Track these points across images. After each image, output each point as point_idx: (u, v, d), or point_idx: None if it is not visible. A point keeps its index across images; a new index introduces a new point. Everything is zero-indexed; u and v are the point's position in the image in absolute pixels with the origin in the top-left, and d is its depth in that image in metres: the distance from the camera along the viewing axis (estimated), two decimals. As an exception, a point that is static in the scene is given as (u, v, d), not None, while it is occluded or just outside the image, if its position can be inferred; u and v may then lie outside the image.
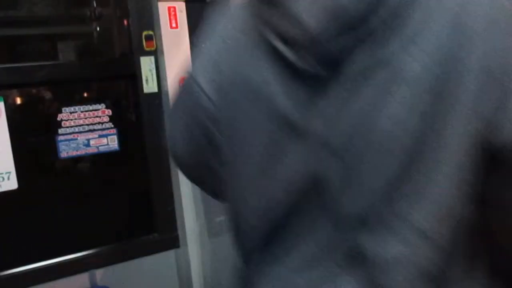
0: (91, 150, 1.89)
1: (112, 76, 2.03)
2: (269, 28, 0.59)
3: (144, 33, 1.92)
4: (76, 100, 1.93)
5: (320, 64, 0.57)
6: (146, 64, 1.93)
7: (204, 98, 0.68)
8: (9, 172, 1.71)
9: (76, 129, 1.86)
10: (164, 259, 2.03)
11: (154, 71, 1.95)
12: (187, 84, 0.74)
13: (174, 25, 1.92)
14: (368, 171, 0.56)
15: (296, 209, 0.62)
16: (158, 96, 1.97)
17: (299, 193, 0.61)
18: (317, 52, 0.56)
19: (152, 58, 1.94)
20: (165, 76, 1.93)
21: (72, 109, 1.85)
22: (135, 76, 1.93)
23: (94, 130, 1.89)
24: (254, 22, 0.63)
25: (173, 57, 1.94)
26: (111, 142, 1.93)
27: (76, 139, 1.86)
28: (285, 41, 0.58)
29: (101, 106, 1.91)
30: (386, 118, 0.54)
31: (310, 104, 0.58)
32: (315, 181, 0.59)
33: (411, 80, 0.53)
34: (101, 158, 2.01)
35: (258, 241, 0.67)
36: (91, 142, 1.89)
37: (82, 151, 1.88)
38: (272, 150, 0.62)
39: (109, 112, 1.92)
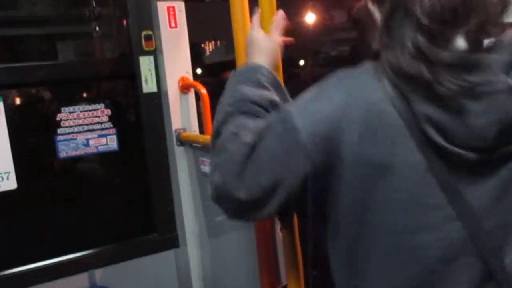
0: (90, 150, 1.89)
1: (111, 76, 2.03)
2: (432, 125, 0.72)
3: (143, 32, 1.92)
4: (75, 100, 1.93)
5: (479, 159, 0.72)
6: (146, 63, 1.93)
7: (310, 152, 0.77)
8: (8, 172, 1.70)
9: (75, 129, 1.86)
10: (164, 259, 2.03)
11: (153, 71, 1.95)
12: (286, 133, 0.79)
13: (173, 24, 1.92)
14: None
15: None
16: (158, 96, 1.97)
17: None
18: (483, 153, 0.72)
19: (152, 57, 1.94)
20: (165, 76, 1.93)
21: (71, 109, 1.85)
22: (134, 76, 1.93)
23: (93, 130, 1.89)
24: (410, 115, 0.73)
25: (172, 57, 1.93)
26: (111, 142, 1.93)
27: (75, 139, 1.86)
28: (451, 141, 0.71)
29: (100, 106, 1.90)
30: None
31: (457, 185, 0.74)
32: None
33: None
34: (100, 158, 2.01)
35: None
36: (90, 142, 1.89)
37: (81, 151, 1.87)
38: (416, 226, 0.76)
39: (108, 112, 1.92)
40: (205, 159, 1.80)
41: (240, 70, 1.01)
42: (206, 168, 1.81)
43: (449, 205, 0.74)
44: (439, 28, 0.70)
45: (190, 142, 1.92)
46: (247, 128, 0.84)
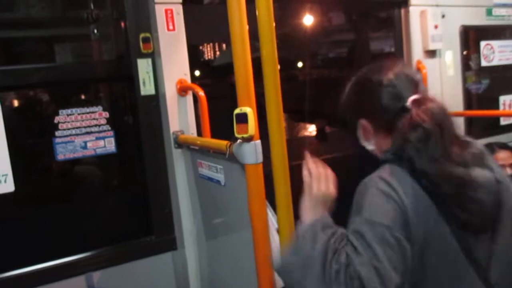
0: (88, 153, 1.89)
1: (109, 78, 2.03)
2: (454, 203, 1.09)
3: (141, 35, 1.92)
4: (73, 103, 1.93)
5: (483, 223, 1.12)
6: (143, 66, 1.93)
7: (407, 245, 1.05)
8: (6, 175, 1.70)
9: (73, 132, 1.86)
10: (161, 262, 2.03)
11: (151, 73, 1.95)
12: (383, 235, 1.03)
13: (171, 27, 1.92)
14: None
15: None
16: (155, 98, 1.97)
17: None
18: (483, 219, 1.12)
19: (149, 60, 1.94)
20: (162, 78, 1.93)
21: (69, 111, 1.85)
22: (132, 78, 1.93)
23: (91, 132, 1.89)
24: (437, 198, 1.09)
25: (170, 59, 1.94)
26: (108, 145, 1.93)
27: (73, 141, 1.86)
28: (467, 213, 1.09)
29: (98, 109, 1.90)
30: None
31: (467, 237, 1.10)
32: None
33: None
34: (98, 161, 2.01)
35: None
36: (88, 144, 1.89)
37: (79, 154, 1.87)
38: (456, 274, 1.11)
39: (106, 114, 1.92)
40: (203, 161, 1.80)
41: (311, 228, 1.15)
42: (203, 170, 1.81)
43: (464, 256, 1.10)
44: (438, 154, 1.10)
45: (188, 144, 1.92)
46: (357, 261, 1.02)
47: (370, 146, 1.29)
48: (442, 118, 1.13)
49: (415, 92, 1.18)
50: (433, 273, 1.09)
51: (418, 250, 1.06)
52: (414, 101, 1.16)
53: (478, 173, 1.13)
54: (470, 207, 1.09)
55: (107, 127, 1.92)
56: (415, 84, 1.21)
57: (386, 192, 1.09)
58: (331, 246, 1.07)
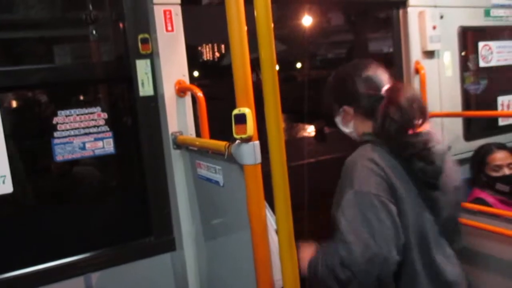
0: (86, 154, 1.89)
1: (108, 79, 2.03)
2: (418, 169, 1.44)
3: (140, 36, 1.92)
4: (71, 103, 1.93)
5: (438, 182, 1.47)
6: (142, 67, 1.94)
7: (392, 206, 1.37)
8: (4, 176, 1.70)
9: (72, 132, 1.86)
10: (160, 262, 2.03)
11: (150, 74, 1.95)
12: (371, 201, 1.34)
13: (169, 28, 1.92)
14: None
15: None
16: (154, 99, 1.97)
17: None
18: (439, 179, 1.47)
19: (148, 61, 1.94)
20: (161, 79, 1.93)
21: (67, 112, 1.85)
22: (131, 79, 1.93)
23: (90, 133, 1.89)
24: (408, 164, 1.44)
25: (169, 60, 1.94)
26: (107, 146, 1.93)
27: (72, 142, 1.86)
28: (427, 176, 1.45)
29: (97, 110, 1.90)
30: (452, 206, 1.55)
31: (428, 193, 1.47)
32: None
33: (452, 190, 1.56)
34: (97, 162, 2.01)
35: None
36: (87, 145, 1.89)
37: (77, 155, 1.87)
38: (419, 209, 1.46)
39: (104, 115, 1.92)
40: (202, 162, 1.80)
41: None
42: (202, 171, 1.81)
43: (424, 204, 1.46)
44: (406, 125, 1.43)
45: (187, 145, 1.92)
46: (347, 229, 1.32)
47: (347, 129, 1.60)
48: (412, 98, 1.44)
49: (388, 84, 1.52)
50: (406, 222, 1.39)
51: (402, 205, 1.38)
52: (388, 89, 1.49)
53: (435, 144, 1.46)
54: (429, 167, 1.42)
55: (106, 128, 1.92)
56: (387, 78, 1.54)
57: (369, 166, 1.39)
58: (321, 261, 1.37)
